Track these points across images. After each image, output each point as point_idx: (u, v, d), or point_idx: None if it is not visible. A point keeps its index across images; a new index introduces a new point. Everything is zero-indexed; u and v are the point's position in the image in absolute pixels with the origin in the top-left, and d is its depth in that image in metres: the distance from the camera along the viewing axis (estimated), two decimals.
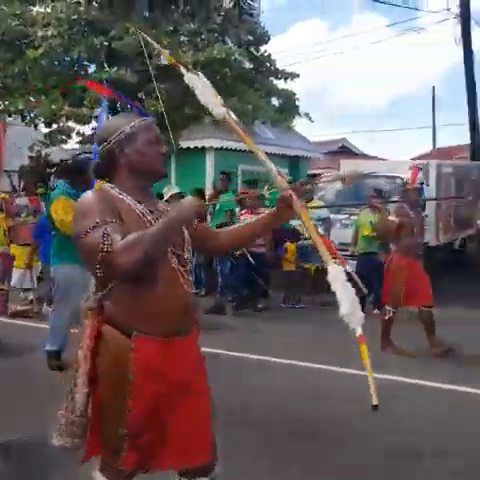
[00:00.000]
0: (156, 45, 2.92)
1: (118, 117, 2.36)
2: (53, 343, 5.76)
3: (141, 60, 13.08)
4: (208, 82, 2.47)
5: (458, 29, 14.88)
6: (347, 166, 11.63)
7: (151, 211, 2.23)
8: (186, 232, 2.30)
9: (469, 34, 14.73)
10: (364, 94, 67.31)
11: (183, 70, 2.47)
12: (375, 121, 76.60)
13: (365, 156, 18.40)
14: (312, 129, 66.85)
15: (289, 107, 13.83)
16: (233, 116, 2.42)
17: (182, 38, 13.81)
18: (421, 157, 20.43)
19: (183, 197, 8.37)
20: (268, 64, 14.24)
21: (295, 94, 14.09)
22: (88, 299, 2.22)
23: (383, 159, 17.97)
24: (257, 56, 14.49)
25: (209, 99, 2.42)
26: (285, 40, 50.86)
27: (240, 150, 13.61)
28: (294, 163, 14.85)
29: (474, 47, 14.90)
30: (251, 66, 14.33)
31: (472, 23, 15.07)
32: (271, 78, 14.18)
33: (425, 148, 27.34)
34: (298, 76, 14.06)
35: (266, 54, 14.70)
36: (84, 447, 2.26)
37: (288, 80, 13.99)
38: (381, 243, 8.68)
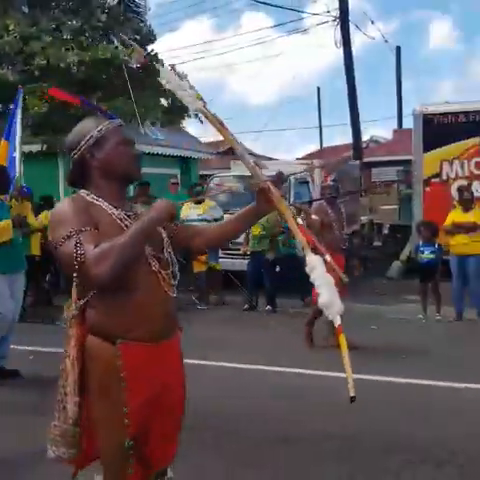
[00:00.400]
0: (128, 40, 2.77)
1: (85, 122, 2.27)
2: None
3: (23, 59, 12.63)
4: (184, 75, 2.39)
5: (338, 31, 15.42)
6: (237, 166, 11.75)
7: (128, 216, 2.20)
8: (164, 233, 2.26)
9: (348, 36, 15.30)
10: (252, 94, 68.39)
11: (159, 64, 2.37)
12: (263, 121, 77.95)
13: (253, 156, 18.74)
14: (206, 130, 67.39)
15: (177, 108, 13.80)
16: (210, 109, 2.31)
17: (66, 36, 13.43)
18: (308, 156, 21.05)
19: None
20: (155, 63, 14.13)
21: None
22: (70, 307, 2.16)
23: (271, 159, 18.36)
24: (144, 55, 14.36)
25: (185, 92, 2.31)
26: (175, 39, 50.54)
27: None
28: (185, 164, 14.80)
29: (353, 49, 15.48)
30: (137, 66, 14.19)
31: (351, 26, 15.65)
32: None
33: (312, 147, 28.20)
34: (186, 76, 14.04)
35: (153, 53, 14.61)
36: (77, 457, 2.21)
37: None
38: (270, 242, 8.87)
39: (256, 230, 8.74)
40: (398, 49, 19.52)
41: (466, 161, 10.61)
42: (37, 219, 8.38)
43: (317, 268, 2.17)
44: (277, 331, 7.43)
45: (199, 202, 9.71)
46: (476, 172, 10.59)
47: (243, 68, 73.08)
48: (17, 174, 6.84)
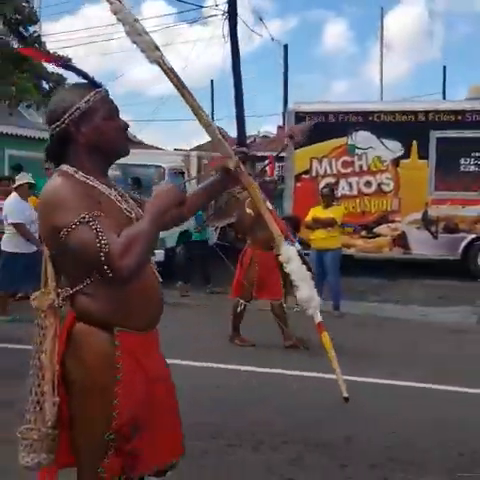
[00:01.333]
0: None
1: (68, 90, 2.00)
2: None
3: None
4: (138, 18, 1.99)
5: (226, 25, 15.63)
6: None
7: (121, 195, 2.02)
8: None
9: (235, 31, 15.54)
10: (148, 82, 67.58)
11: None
12: (153, 110, 77.07)
13: (143, 145, 18.69)
14: None
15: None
16: (168, 62, 2.01)
17: None
18: (198, 148, 21.25)
19: (33, 187, 7.94)
20: (37, 45, 13.79)
21: (66, 79, 13.82)
22: (42, 296, 1.95)
23: (159, 148, 18.37)
24: (26, 36, 13.98)
25: (140, 37, 1.96)
26: (73, 22, 48.91)
27: (6, 134, 13.01)
28: None
29: (240, 44, 15.70)
30: (20, 46, 13.78)
31: (239, 20, 15.87)
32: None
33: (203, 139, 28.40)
34: (70, 60, 13.82)
35: (35, 35, 14.24)
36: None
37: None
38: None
39: None
40: (285, 47, 20.17)
41: (334, 160, 11.17)
42: None
43: (293, 260, 2.04)
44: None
45: None
46: (343, 171, 11.17)
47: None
48: None
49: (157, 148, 18.75)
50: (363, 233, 11.09)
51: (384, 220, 11.06)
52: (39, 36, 14.34)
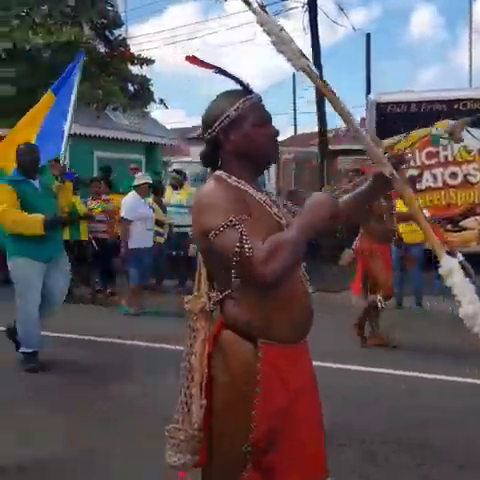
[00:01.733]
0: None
1: (221, 97, 2.04)
2: (27, 344, 5.35)
3: None
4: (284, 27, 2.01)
5: (306, 17, 15.56)
6: (197, 152, 11.92)
7: (273, 201, 2.02)
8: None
9: (316, 23, 15.41)
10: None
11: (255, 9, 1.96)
12: None
13: None
14: (172, 115, 67.57)
15: (144, 93, 13.96)
16: (314, 69, 2.04)
17: (35, 20, 13.45)
18: (281, 143, 21.30)
19: (152, 187, 8.56)
20: (122, 49, 14.25)
21: (150, 80, 14.22)
22: (195, 299, 2.00)
23: None
24: (111, 40, 14.46)
25: (287, 47, 1.98)
26: (160, 23, 50.23)
27: (94, 136, 13.53)
28: (150, 149, 14.96)
29: (321, 36, 15.62)
30: (106, 50, 14.27)
31: (319, 11, 15.74)
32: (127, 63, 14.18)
33: (287, 133, 28.39)
34: (153, 62, 14.19)
35: (120, 38, 14.70)
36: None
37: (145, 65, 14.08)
38: None
39: None
40: (368, 36, 19.71)
41: (417, 151, 10.87)
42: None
43: (455, 273, 1.92)
44: None
45: (176, 188, 9.91)
46: (427, 162, 10.86)
47: (228, 52, 72.72)
48: (62, 150, 6.00)
49: None
50: (448, 227, 10.74)
51: (471, 213, 10.65)
52: (124, 39, 14.79)
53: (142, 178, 8.22)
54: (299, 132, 28.13)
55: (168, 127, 17.02)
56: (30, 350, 5.35)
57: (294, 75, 28.38)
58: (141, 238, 7.90)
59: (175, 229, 9.72)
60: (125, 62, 14.00)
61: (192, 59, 2.05)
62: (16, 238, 5.26)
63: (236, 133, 1.96)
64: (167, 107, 14.01)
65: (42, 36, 12.44)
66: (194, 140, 18.03)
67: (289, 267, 1.79)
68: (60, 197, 5.64)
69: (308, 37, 15.54)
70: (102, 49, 14.27)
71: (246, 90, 2.02)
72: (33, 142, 5.88)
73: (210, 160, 2.06)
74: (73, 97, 6.10)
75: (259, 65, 65.57)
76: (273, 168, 11.58)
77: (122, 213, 7.98)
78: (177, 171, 10.30)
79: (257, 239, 1.76)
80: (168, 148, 16.10)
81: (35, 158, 5.45)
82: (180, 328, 2.06)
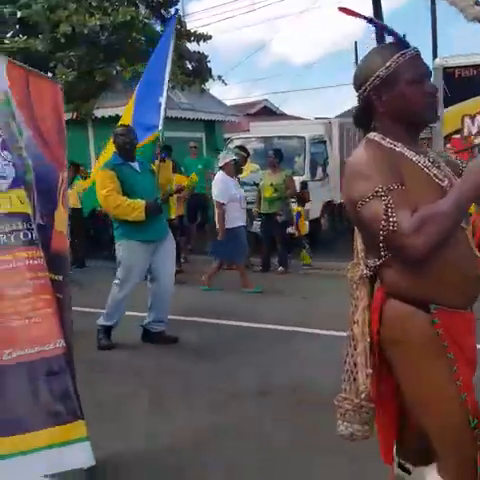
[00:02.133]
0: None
1: (375, 53, 1.93)
2: (108, 318, 5.50)
3: (49, 28, 12.81)
4: None
5: None
6: (256, 128, 11.74)
7: (432, 162, 1.92)
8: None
9: None
10: (294, 52, 66.93)
11: None
12: (304, 80, 76.01)
13: (284, 116, 18.56)
14: (240, 91, 67.05)
15: (202, 70, 13.80)
16: None
17: (91, 2, 13.51)
18: (342, 115, 20.74)
19: (237, 164, 8.43)
20: (179, 26, 14.09)
21: (207, 56, 14.04)
22: (354, 267, 1.99)
23: (301, 118, 18.15)
24: (167, 18, 14.32)
25: None
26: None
27: None
28: (210, 127, 14.81)
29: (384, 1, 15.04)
30: (163, 29, 14.17)
31: None
32: (183, 40, 14.05)
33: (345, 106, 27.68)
34: (210, 38, 14.01)
35: (176, 15, 14.53)
36: (381, 444, 2.04)
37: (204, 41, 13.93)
38: (283, 203, 8.90)
39: (268, 192, 8.78)
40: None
41: None
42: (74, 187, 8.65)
43: None
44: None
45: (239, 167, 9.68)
46: None
47: (283, 25, 71.46)
48: (160, 127, 5.74)
49: (299, 118, 18.54)
50: None
51: None
52: (180, 17, 14.61)
53: (227, 157, 7.97)
54: None
55: (228, 103, 16.84)
56: (110, 323, 5.47)
57: (356, 43, 27.58)
58: (237, 217, 7.71)
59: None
60: (182, 39, 13.87)
61: (345, 10, 1.96)
62: (122, 221, 5.31)
63: (389, 93, 1.87)
64: (226, 84, 13.82)
65: (99, 18, 12.46)
66: (254, 116, 17.79)
67: (440, 239, 1.71)
68: (160, 176, 5.68)
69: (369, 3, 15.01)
70: (158, 28, 14.20)
71: (402, 44, 1.91)
72: (130, 121, 5.86)
73: (363, 121, 1.99)
74: (168, 68, 5.70)
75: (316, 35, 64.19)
76: (336, 138, 11.21)
77: (214, 196, 7.78)
78: (241, 147, 10.06)
79: (406, 210, 1.70)
80: (228, 125, 15.92)
81: (131, 140, 5.37)
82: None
